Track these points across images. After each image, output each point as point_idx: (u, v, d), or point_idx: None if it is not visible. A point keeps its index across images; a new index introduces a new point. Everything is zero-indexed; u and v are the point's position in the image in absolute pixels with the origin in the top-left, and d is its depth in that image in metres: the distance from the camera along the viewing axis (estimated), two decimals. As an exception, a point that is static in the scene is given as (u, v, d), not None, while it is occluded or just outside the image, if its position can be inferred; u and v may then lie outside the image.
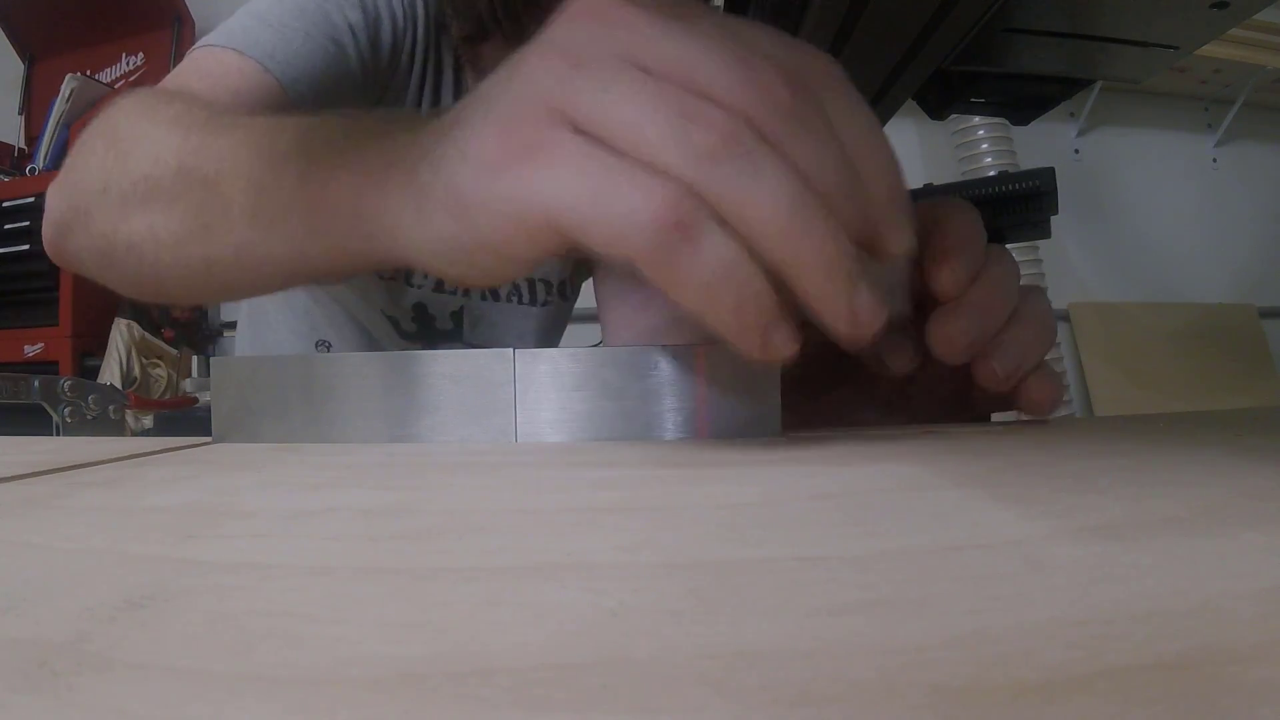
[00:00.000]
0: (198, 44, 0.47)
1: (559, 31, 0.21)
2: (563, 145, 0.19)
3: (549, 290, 0.66)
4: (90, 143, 0.37)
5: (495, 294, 0.63)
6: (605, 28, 0.20)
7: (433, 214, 0.22)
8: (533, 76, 0.20)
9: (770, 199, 0.18)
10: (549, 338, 0.71)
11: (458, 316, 0.62)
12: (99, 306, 1.86)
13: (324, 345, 0.67)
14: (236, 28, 0.46)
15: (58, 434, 0.55)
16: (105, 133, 0.36)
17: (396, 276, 0.59)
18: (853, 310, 0.19)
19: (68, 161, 0.38)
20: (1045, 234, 0.65)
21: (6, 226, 1.90)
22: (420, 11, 0.52)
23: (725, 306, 0.19)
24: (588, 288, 0.67)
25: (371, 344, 0.64)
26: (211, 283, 0.32)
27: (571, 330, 0.76)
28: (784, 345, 0.19)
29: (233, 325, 1.90)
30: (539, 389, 0.25)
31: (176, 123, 0.33)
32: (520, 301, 0.65)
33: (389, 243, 0.24)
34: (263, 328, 0.70)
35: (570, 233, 0.19)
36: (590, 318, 0.65)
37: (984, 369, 0.26)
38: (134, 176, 0.33)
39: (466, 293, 0.62)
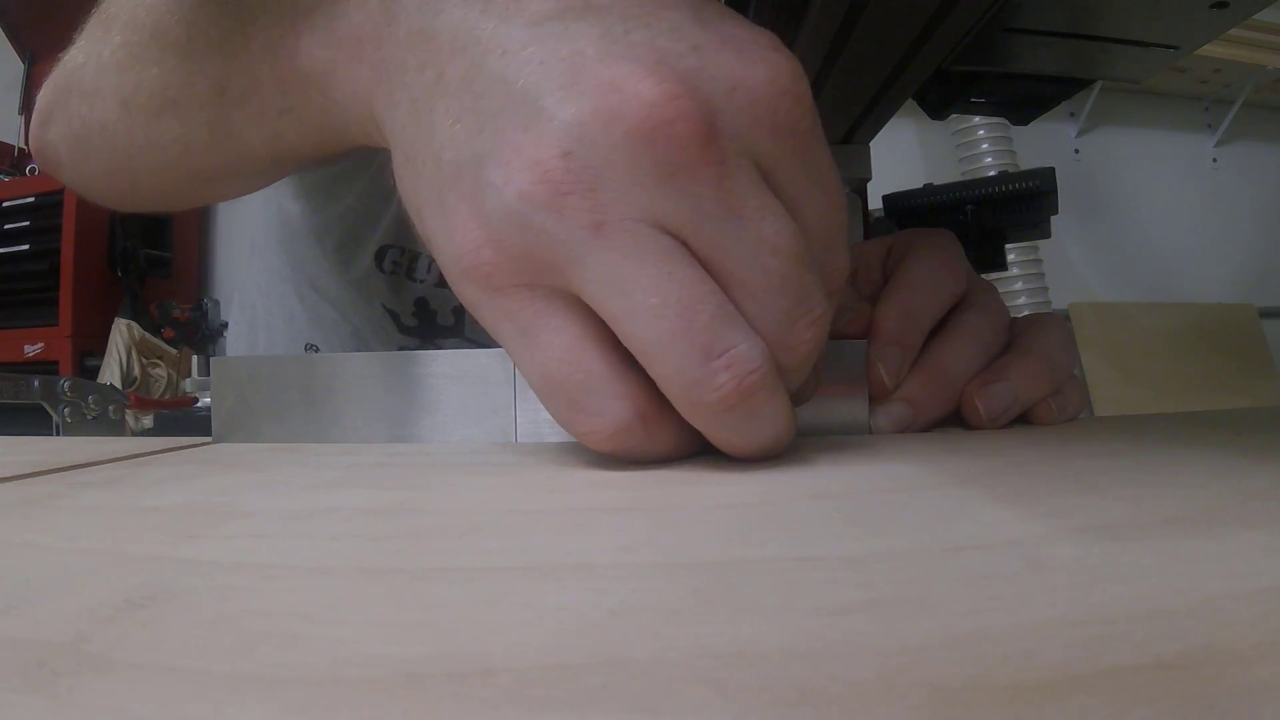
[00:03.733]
0: None
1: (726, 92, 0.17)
2: (633, 238, 0.16)
3: None
4: (88, 23, 0.33)
5: None
6: (769, 122, 0.17)
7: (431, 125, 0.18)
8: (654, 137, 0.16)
9: (758, 439, 0.18)
10: None
11: (459, 312, 0.62)
12: (99, 306, 1.87)
13: (311, 349, 0.67)
14: None
15: (58, 434, 0.55)
16: (100, 8, 0.33)
17: (397, 271, 0.59)
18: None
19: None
20: (1045, 234, 0.65)
21: (6, 226, 1.91)
22: None
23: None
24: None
25: (361, 347, 0.64)
26: (187, 168, 0.29)
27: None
28: None
29: (233, 325, 1.90)
30: (539, 389, 0.25)
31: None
32: None
33: (370, 128, 0.21)
34: (256, 332, 0.70)
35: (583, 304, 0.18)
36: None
37: (969, 409, 0.25)
38: (114, 44, 0.29)
39: None
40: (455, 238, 0.18)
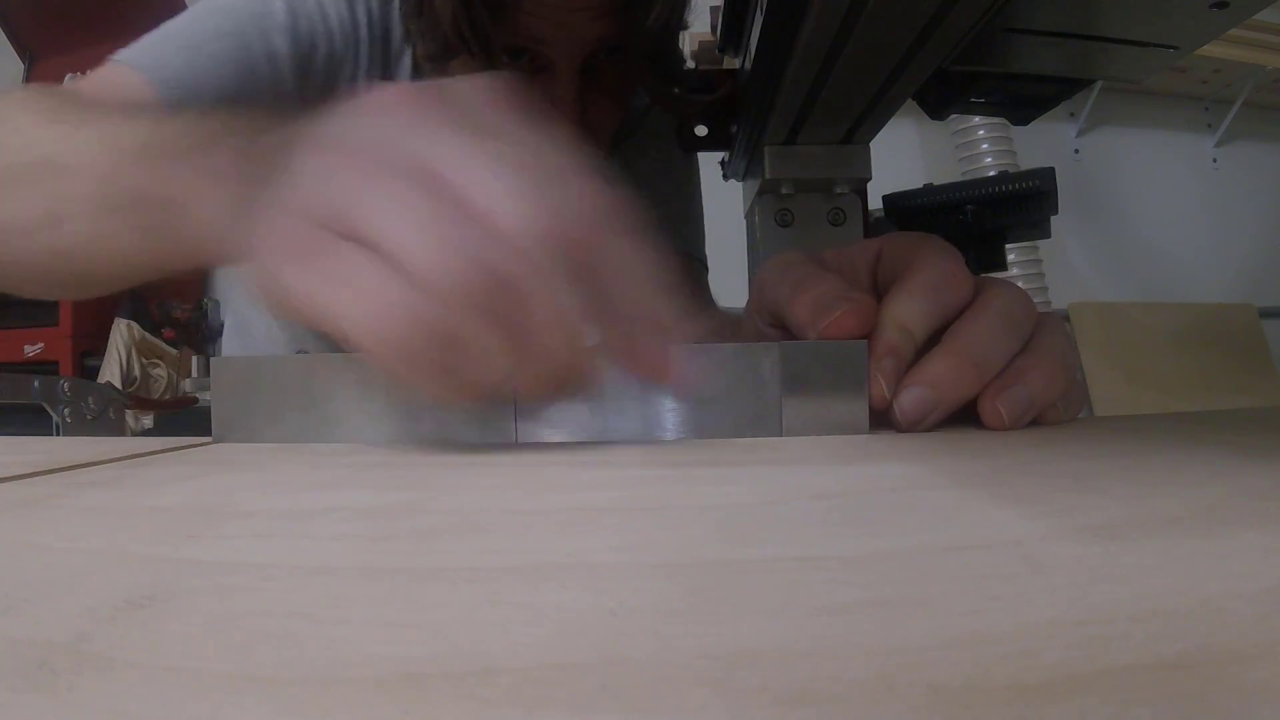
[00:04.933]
0: (114, 57, 0.47)
1: (345, 128, 0.21)
2: (335, 255, 0.19)
3: None
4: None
5: None
6: (392, 128, 0.20)
7: (251, 250, 0.22)
8: (313, 179, 0.20)
9: (491, 363, 0.19)
10: None
11: None
12: (99, 306, 1.86)
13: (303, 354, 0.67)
14: (149, 45, 0.47)
15: (58, 434, 0.55)
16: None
17: None
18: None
19: None
20: (1045, 234, 0.65)
21: (7, 227, 1.90)
22: (364, 34, 0.51)
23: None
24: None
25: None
26: (62, 272, 0.34)
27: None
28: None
29: (233, 325, 1.91)
30: (539, 389, 0.25)
31: (46, 114, 0.34)
32: None
33: (221, 251, 0.26)
34: (247, 337, 0.70)
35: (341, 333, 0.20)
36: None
37: (989, 413, 0.24)
38: None
39: None
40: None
